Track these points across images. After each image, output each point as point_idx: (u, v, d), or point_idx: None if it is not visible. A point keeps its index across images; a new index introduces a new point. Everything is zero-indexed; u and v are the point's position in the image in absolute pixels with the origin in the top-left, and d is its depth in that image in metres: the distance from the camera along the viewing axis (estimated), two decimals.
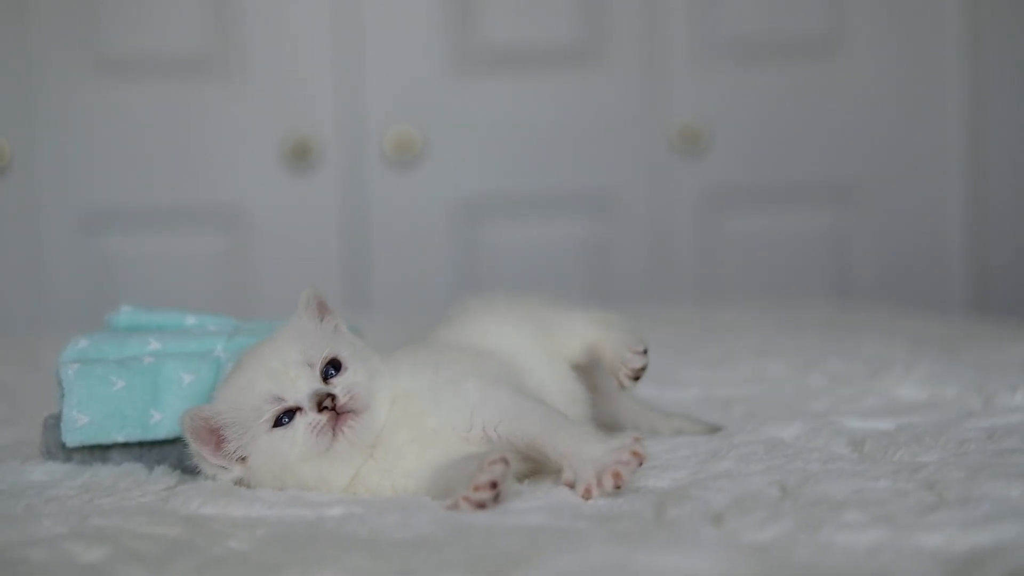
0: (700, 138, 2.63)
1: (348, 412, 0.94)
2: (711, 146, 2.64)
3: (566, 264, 2.62)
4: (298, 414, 0.94)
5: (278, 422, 0.94)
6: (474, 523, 0.83)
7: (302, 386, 0.95)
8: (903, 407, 1.26)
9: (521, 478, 0.98)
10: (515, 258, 2.60)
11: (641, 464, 0.89)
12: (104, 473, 1.00)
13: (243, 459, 0.95)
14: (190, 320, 1.13)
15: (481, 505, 0.87)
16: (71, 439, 1.03)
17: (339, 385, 0.95)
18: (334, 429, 0.94)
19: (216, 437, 0.95)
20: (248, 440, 0.94)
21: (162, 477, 1.00)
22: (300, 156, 2.57)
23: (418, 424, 0.96)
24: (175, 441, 1.04)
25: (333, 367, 0.97)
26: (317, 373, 0.96)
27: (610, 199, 2.64)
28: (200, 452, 0.96)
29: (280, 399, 0.95)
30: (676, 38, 2.63)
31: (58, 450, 1.05)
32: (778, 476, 0.94)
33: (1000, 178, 2.64)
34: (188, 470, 1.03)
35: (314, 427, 0.93)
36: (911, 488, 0.89)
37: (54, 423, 1.05)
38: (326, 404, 0.93)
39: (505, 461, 0.88)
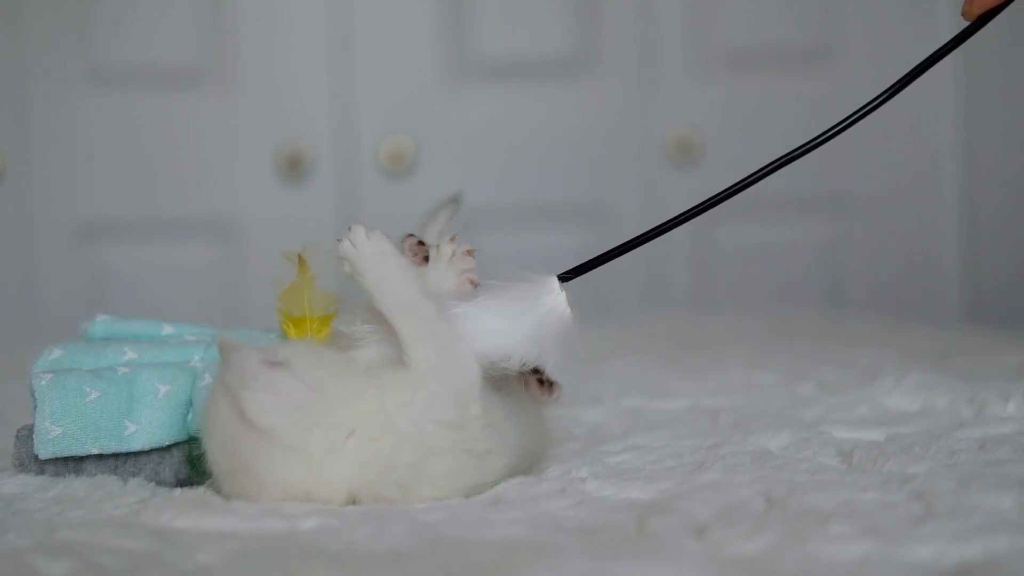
0: (694, 148, 2.62)
1: None
2: (705, 156, 2.63)
3: None
4: None
5: None
6: (450, 536, 0.81)
7: None
8: (893, 417, 1.24)
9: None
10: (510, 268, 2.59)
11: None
12: (77, 485, 0.98)
13: None
14: (167, 329, 1.11)
15: None
16: (44, 451, 1.00)
17: None
18: None
19: None
20: None
21: (136, 490, 0.98)
22: (294, 167, 2.56)
23: None
24: (151, 452, 1.02)
25: None
26: None
27: (604, 209, 2.63)
28: None
29: None
30: (670, 48, 2.62)
31: (31, 462, 1.02)
32: (764, 487, 0.92)
33: (994, 190, 2.63)
34: (163, 482, 1.01)
35: None
36: (900, 499, 0.87)
37: (27, 434, 1.03)
38: None
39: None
